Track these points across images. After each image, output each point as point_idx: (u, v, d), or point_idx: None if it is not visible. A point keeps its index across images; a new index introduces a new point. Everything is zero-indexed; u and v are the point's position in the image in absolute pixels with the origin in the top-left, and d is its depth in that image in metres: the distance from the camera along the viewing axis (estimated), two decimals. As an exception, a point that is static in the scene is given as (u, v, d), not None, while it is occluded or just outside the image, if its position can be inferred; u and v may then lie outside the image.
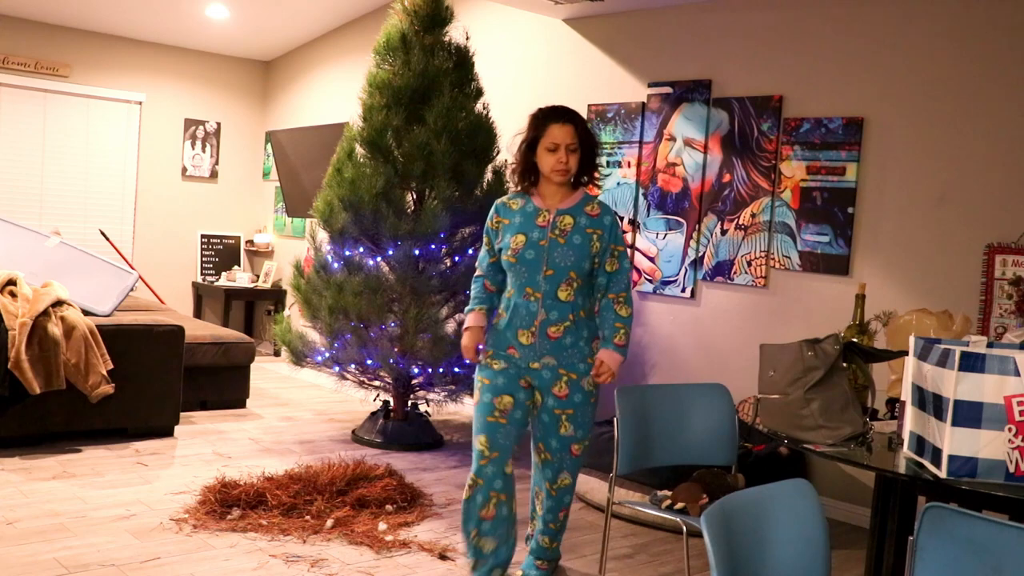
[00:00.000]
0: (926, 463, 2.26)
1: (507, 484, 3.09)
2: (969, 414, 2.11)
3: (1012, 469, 2.10)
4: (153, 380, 5.01)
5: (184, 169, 8.23)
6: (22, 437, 4.70)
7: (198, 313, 8.19)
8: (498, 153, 5.44)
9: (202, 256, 8.31)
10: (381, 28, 5.40)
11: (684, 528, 2.96)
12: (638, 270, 5.38)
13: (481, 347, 3.28)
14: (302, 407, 6.26)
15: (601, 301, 3.23)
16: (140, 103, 7.93)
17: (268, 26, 7.70)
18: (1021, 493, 2.08)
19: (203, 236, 8.33)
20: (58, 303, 4.78)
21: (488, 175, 5.38)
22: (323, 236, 5.46)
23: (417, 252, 5.11)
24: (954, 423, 2.12)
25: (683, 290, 5.19)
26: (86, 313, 4.96)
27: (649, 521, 4.20)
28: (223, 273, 8.24)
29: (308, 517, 3.90)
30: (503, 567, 3.10)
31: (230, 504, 3.94)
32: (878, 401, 2.97)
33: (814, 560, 1.83)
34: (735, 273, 4.94)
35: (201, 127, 8.30)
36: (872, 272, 4.41)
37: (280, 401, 6.39)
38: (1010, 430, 2.10)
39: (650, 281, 5.33)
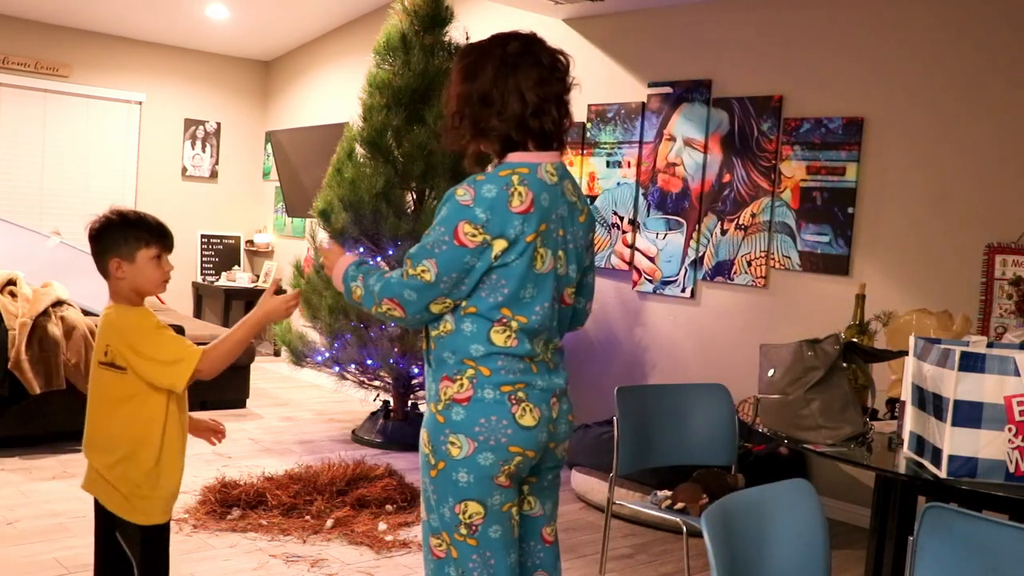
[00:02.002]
0: (926, 463, 2.26)
1: None
2: (969, 414, 2.11)
3: (1012, 469, 2.10)
4: (153, 380, 5.00)
5: (184, 169, 8.23)
6: (22, 437, 4.70)
7: (198, 313, 8.19)
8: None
9: (202, 256, 8.31)
10: (381, 28, 5.40)
11: (684, 528, 2.96)
12: (638, 270, 5.38)
13: None
14: (302, 407, 6.26)
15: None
16: (140, 103, 7.93)
17: (268, 26, 7.70)
18: (1021, 493, 2.08)
19: (203, 236, 8.33)
20: (58, 303, 4.78)
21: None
22: (323, 236, 5.46)
23: (417, 252, 5.11)
24: (954, 423, 2.12)
25: (683, 290, 5.19)
26: (86, 313, 4.96)
27: (649, 521, 4.19)
28: (223, 273, 8.23)
29: (308, 517, 3.90)
30: None
31: (230, 504, 3.94)
32: (878, 401, 2.97)
33: (814, 560, 1.83)
34: (735, 273, 4.94)
35: (201, 127, 8.29)
36: (872, 272, 4.41)
37: (280, 401, 6.39)
38: (1010, 430, 2.10)
39: (650, 281, 5.33)
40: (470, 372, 2.01)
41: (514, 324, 2.01)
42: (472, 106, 2.06)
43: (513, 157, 2.05)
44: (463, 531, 2.01)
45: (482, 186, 1.98)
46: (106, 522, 2.25)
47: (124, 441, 2.19)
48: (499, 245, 1.96)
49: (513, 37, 2.08)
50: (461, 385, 2.01)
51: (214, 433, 2.48)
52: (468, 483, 1.99)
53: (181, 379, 2.14)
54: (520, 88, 2.02)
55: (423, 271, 1.97)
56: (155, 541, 2.23)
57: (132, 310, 2.22)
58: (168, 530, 2.29)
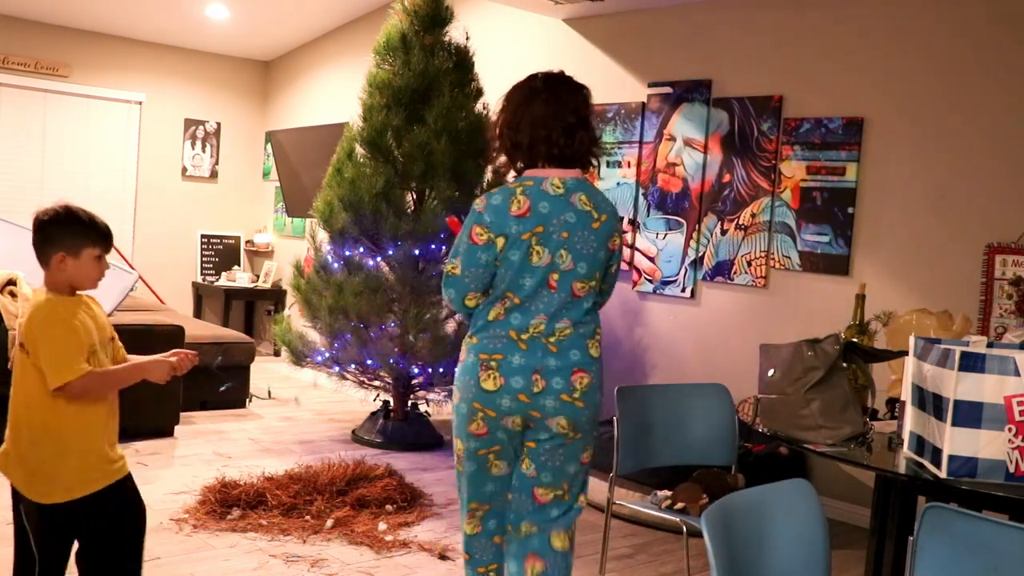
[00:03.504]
0: (926, 463, 2.26)
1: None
2: (969, 414, 2.11)
3: (1012, 469, 2.10)
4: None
5: (184, 169, 8.23)
6: (22, 437, 4.69)
7: (198, 313, 8.19)
8: (498, 153, 5.43)
9: (202, 256, 8.31)
10: (381, 28, 5.39)
11: (684, 528, 2.96)
12: (638, 270, 5.38)
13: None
14: (302, 407, 6.26)
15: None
16: (140, 103, 7.93)
17: (268, 26, 7.70)
18: (1021, 493, 2.08)
19: (203, 236, 8.32)
20: (58, 303, 4.77)
21: (488, 175, 5.38)
22: (323, 236, 5.46)
23: (417, 252, 5.11)
24: (954, 423, 2.12)
25: (683, 290, 5.19)
26: (86, 313, 4.96)
27: (649, 521, 4.19)
28: (223, 273, 8.23)
29: (308, 517, 3.90)
30: None
31: (230, 504, 3.94)
32: (878, 401, 2.97)
33: (814, 560, 1.83)
34: (735, 273, 4.94)
35: (201, 127, 8.29)
36: (872, 272, 4.41)
37: (280, 401, 6.38)
38: (1010, 430, 2.10)
39: (650, 281, 5.33)
40: (468, 341, 2.54)
41: (508, 303, 2.49)
42: (502, 131, 2.56)
43: (528, 172, 2.53)
44: (455, 459, 2.64)
45: (492, 196, 2.49)
46: (14, 497, 2.35)
47: (24, 422, 2.30)
48: (500, 241, 2.44)
49: (541, 75, 2.57)
50: (463, 349, 2.56)
51: (172, 368, 2.47)
52: (455, 424, 2.60)
53: (57, 379, 2.23)
54: (532, 119, 2.49)
55: (452, 268, 2.52)
56: (52, 520, 2.30)
57: (60, 300, 2.33)
58: (70, 511, 2.32)
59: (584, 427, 2.53)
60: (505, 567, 2.68)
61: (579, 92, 2.57)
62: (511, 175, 2.63)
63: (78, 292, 2.39)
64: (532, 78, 2.55)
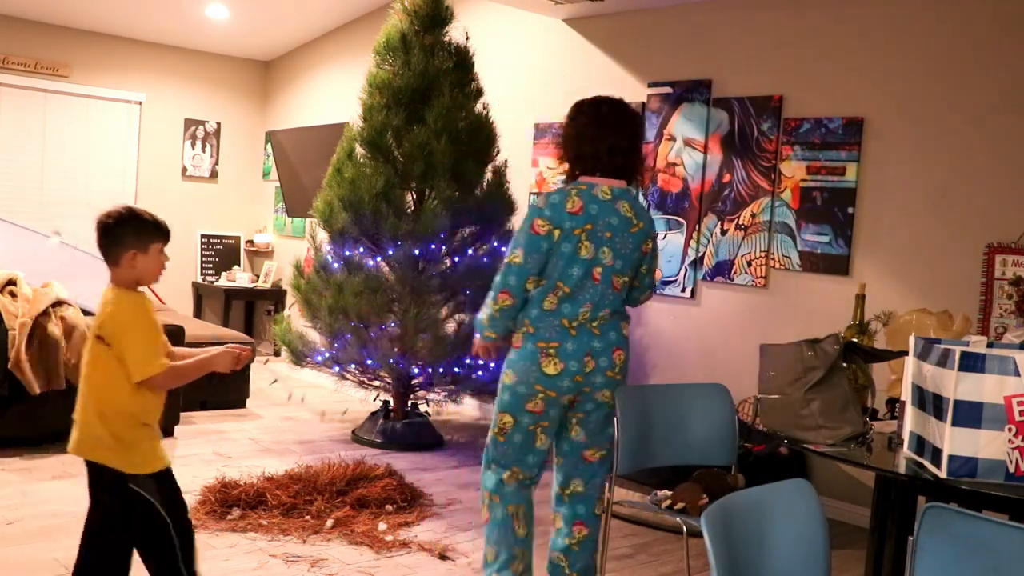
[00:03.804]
0: (926, 463, 2.26)
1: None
2: (969, 414, 2.11)
3: (1012, 469, 2.11)
4: (153, 380, 5.00)
5: (184, 169, 8.23)
6: (22, 437, 4.70)
7: (198, 313, 8.19)
8: (498, 153, 5.44)
9: (202, 256, 8.31)
10: (381, 28, 5.39)
11: (684, 528, 2.96)
12: (638, 270, 5.38)
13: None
14: (302, 407, 6.26)
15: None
16: (140, 103, 7.93)
17: (268, 26, 7.70)
18: (1021, 493, 2.08)
19: (203, 236, 8.33)
20: (58, 303, 4.78)
21: (488, 175, 5.38)
22: (323, 236, 5.46)
23: (417, 252, 5.11)
24: (954, 423, 2.12)
25: (683, 290, 5.19)
26: (86, 313, 4.96)
27: (649, 521, 4.19)
28: (223, 273, 8.23)
29: (308, 517, 3.90)
30: None
31: (230, 504, 3.94)
32: (878, 401, 2.97)
33: (814, 560, 1.83)
34: (735, 273, 4.94)
35: (201, 127, 8.29)
36: (872, 272, 4.41)
37: (280, 401, 6.38)
38: (1010, 430, 2.10)
39: (650, 281, 5.33)
40: (524, 330, 2.96)
41: (560, 293, 2.92)
42: (569, 144, 3.03)
43: (583, 179, 2.99)
44: (496, 430, 3.03)
45: (551, 196, 2.95)
46: (115, 482, 2.48)
47: (114, 410, 2.49)
48: (557, 233, 2.88)
49: (605, 101, 3.04)
50: (519, 338, 2.97)
51: (236, 359, 2.62)
52: (506, 402, 2.99)
53: (141, 373, 2.44)
54: (588, 136, 2.97)
55: (514, 257, 2.92)
56: (164, 481, 2.55)
57: (134, 296, 2.51)
58: (166, 476, 2.59)
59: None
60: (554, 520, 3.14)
61: (635, 119, 3.08)
62: (556, 178, 3.11)
63: (139, 288, 2.54)
64: (597, 102, 3.03)
